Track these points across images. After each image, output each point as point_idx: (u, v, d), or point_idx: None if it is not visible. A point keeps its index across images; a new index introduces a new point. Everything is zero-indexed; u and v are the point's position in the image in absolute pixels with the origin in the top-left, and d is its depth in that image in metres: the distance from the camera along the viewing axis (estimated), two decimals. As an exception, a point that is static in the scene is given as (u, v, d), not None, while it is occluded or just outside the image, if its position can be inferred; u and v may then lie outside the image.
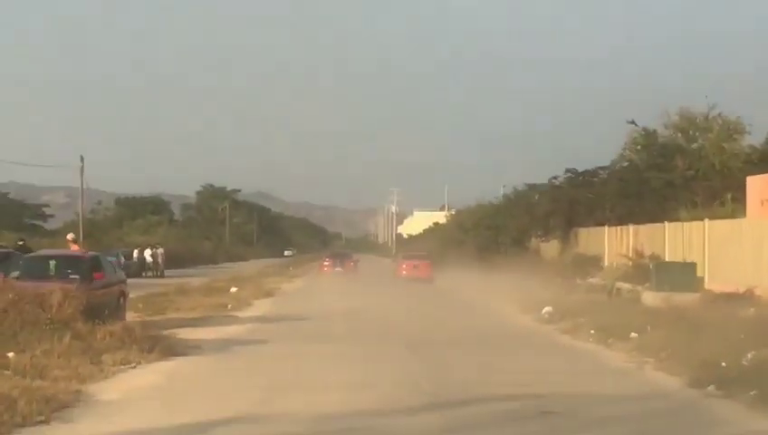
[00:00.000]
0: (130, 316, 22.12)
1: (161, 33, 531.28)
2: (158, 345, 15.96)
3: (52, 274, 19.50)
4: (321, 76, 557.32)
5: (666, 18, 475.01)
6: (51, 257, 21.07)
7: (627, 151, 41.12)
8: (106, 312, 17.56)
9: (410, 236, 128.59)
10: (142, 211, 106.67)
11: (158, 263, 56.30)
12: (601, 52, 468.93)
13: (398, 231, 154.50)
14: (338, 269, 55.59)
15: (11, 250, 26.42)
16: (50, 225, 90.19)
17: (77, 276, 19.32)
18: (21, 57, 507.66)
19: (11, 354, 13.76)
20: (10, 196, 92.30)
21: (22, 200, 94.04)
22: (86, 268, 19.92)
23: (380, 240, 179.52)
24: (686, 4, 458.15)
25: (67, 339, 15.02)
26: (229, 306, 27.88)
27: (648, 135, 39.66)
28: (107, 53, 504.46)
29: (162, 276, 52.69)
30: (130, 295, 27.11)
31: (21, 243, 32.33)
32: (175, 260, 68.13)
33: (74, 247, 23.29)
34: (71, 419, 10.72)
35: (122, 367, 14.51)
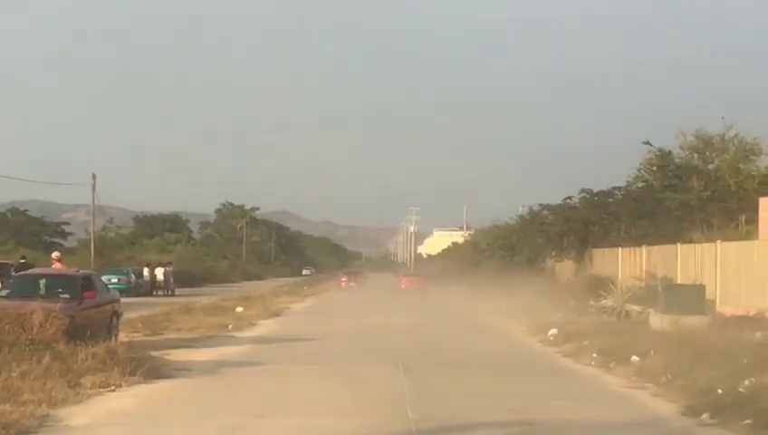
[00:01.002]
0: (129, 336, 21.69)
1: (184, 52, 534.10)
2: (142, 367, 15.48)
3: (42, 293, 19.12)
4: (345, 96, 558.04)
5: (682, 34, 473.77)
6: (41, 276, 20.71)
7: (642, 172, 40.51)
8: (88, 332, 17.10)
9: (429, 256, 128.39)
10: (160, 229, 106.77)
11: (168, 281, 55.91)
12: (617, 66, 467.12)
13: (419, 251, 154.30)
14: (352, 284, 69.00)
15: None
16: (69, 242, 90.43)
17: (67, 295, 19.00)
18: (51, 72, 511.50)
19: (-17, 376, 13.39)
20: (30, 213, 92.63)
21: (41, 218, 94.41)
22: (76, 287, 19.52)
23: (399, 259, 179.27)
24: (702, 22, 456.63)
25: (46, 360, 14.65)
26: (230, 326, 27.44)
27: (664, 156, 38.98)
28: (132, 68, 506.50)
29: (173, 295, 52.36)
30: (134, 314, 26.89)
31: (23, 260, 32.30)
32: (189, 279, 68.04)
33: (57, 265, 23.02)
34: (29, 444, 10.32)
35: (100, 390, 14.11)
